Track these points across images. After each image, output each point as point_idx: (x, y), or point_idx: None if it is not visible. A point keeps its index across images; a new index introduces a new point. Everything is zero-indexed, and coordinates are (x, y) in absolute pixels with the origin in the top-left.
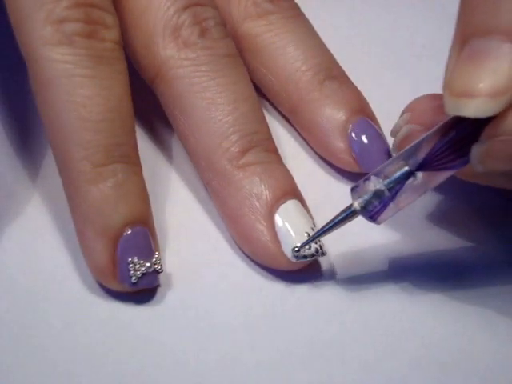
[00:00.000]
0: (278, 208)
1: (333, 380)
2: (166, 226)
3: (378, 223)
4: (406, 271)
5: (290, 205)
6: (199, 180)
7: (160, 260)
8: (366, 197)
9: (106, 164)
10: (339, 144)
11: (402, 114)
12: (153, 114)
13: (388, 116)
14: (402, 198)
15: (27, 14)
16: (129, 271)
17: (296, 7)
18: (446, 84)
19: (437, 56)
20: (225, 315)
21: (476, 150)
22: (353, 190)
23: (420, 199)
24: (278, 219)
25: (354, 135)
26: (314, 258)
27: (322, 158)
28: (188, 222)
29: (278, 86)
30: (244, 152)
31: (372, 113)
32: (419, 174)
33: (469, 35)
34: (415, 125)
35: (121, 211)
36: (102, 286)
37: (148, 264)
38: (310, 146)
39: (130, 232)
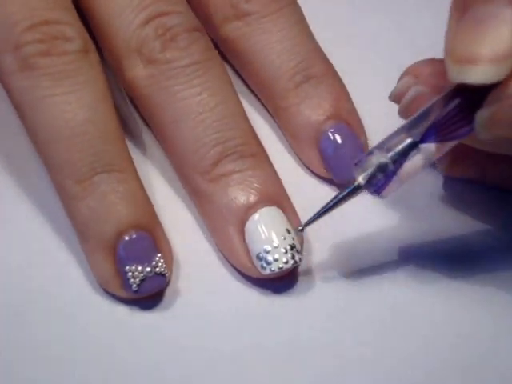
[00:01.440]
0: (247, 219)
1: (332, 380)
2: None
3: (382, 197)
4: (405, 271)
5: (260, 214)
6: None
7: (162, 261)
8: (370, 170)
9: (88, 178)
10: (310, 154)
11: (401, 77)
12: None
13: (388, 116)
14: (406, 170)
15: None
16: (128, 280)
17: (275, 1)
18: (448, 51)
19: (439, 57)
20: (224, 315)
21: (480, 117)
22: (356, 164)
23: (420, 190)
24: (248, 231)
25: (325, 144)
26: (285, 270)
27: None
28: (186, 221)
29: (258, 91)
30: (215, 164)
31: (349, 114)
32: (423, 146)
33: (470, 1)
34: (423, 87)
35: (110, 221)
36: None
37: (148, 269)
38: None
39: (125, 239)
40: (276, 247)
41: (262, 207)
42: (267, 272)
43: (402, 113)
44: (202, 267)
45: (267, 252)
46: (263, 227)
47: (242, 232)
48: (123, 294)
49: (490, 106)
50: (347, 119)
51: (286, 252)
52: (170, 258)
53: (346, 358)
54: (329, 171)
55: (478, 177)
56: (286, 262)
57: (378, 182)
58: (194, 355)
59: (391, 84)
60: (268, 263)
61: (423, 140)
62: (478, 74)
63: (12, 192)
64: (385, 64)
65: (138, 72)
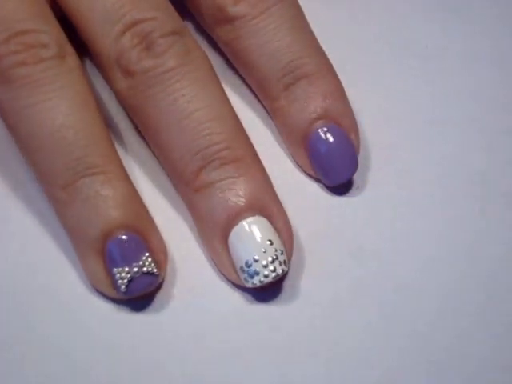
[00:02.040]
0: (230, 230)
1: (332, 380)
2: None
3: None
4: (404, 271)
5: (240, 227)
6: None
7: (150, 260)
8: None
9: (71, 183)
10: (299, 158)
11: None
12: None
13: (389, 117)
14: None
15: None
16: (116, 281)
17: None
18: None
19: (440, 57)
20: (223, 315)
21: None
22: None
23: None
24: (230, 244)
25: (313, 145)
26: (265, 283)
27: None
28: (184, 222)
29: (255, 91)
30: (198, 172)
31: (339, 113)
32: None
33: None
34: None
35: (95, 224)
36: None
37: (135, 269)
38: None
39: (110, 241)
40: (257, 260)
41: (245, 218)
42: (249, 285)
43: None
44: (200, 267)
45: (249, 266)
46: (245, 240)
47: (225, 243)
48: (115, 295)
49: None
50: (337, 119)
51: (267, 266)
52: (162, 257)
53: (345, 359)
54: (318, 174)
55: None
56: (267, 276)
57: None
58: (192, 355)
59: (392, 84)
60: (250, 276)
61: None
62: None
63: (12, 192)
64: (385, 64)
65: (120, 84)
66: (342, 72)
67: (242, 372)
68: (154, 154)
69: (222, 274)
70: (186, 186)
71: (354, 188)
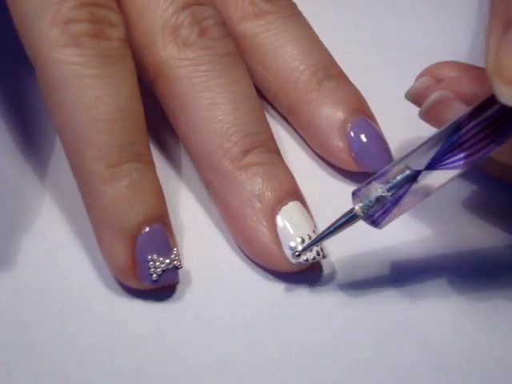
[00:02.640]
0: (279, 209)
1: (331, 381)
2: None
3: (380, 228)
4: (406, 274)
5: (292, 206)
6: (199, 179)
7: (179, 256)
8: (368, 202)
9: (120, 164)
10: (338, 143)
11: (420, 76)
12: (153, 113)
13: (390, 117)
14: (406, 201)
15: (32, 16)
16: (149, 269)
17: (293, 6)
18: (496, 70)
19: (440, 57)
20: (223, 315)
21: None
22: (354, 194)
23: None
24: (280, 221)
25: (352, 134)
26: (314, 261)
27: (321, 158)
28: (188, 221)
29: (276, 86)
30: (246, 152)
31: (370, 112)
32: (423, 177)
33: None
34: (448, 91)
35: (137, 210)
36: (104, 283)
37: (168, 261)
38: (309, 146)
39: (147, 230)
40: (309, 239)
41: (292, 200)
42: (299, 261)
43: (424, 115)
44: (204, 264)
45: (301, 242)
46: (295, 219)
47: (272, 221)
48: (137, 283)
49: None
50: (369, 115)
51: (318, 245)
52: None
53: (346, 360)
54: (357, 161)
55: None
56: (318, 254)
57: (376, 214)
58: (197, 353)
59: (391, 84)
60: (299, 254)
61: (426, 169)
62: None
63: (12, 191)
64: (385, 64)
65: (172, 53)
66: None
67: (242, 372)
68: (185, 130)
69: (258, 251)
70: (232, 163)
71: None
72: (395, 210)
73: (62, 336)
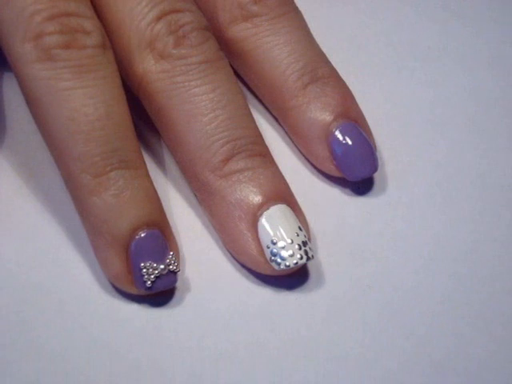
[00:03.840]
0: (261, 216)
1: (331, 380)
2: None
3: None
4: (403, 271)
5: (273, 211)
6: None
7: (175, 259)
8: None
9: (105, 173)
10: (320, 151)
11: None
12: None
13: (391, 118)
14: None
15: (7, 35)
16: (142, 276)
17: (284, 3)
18: None
19: (442, 58)
20: (226, 314)
21: None
22: None
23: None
24: (261, 227)
25: (335, 141)
26: (299, 266)
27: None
28: (186, 222)
29: (264, 91)
30: (226, 160)
31: (358, 114)
32: None
33: None
34: None
35: (126, 218)
36: (104, 283)
37: (162, 266)
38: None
39: (139, 237)
40: (291, 243)
41: (274, 204)
42: (282, 268)
43: None
44: (204, 266)
45: (282, 248)
46: (277, 224)
47: (254, 228)
48: (134, 290)
49: None
50: (356, 119)
51: (300, 248)
52: (178, 257)
53: (346, 358)
54: (339, 169)
55: None
56: (301, 258)
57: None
58: (195, 354)
59: (392, 85)
60: (282, 259)
61: None
62: None
63: (12, 191)
64: (385, 64)
65: (149, 67)
66: (343, 72)
67: (241, 372)
68: (169, 141)
69: (246, 260)
70: (212, 173)
71: (354, 188)
72: None
73: (60, 337)
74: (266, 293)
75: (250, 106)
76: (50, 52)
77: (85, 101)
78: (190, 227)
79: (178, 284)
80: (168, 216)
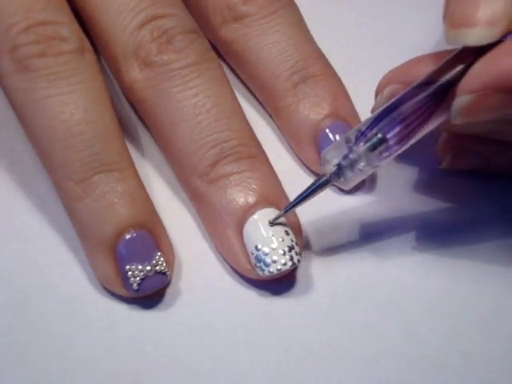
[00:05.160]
0: (246, 221)
1: (330, 380)
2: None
3: (348, 188)
4: (402, 271)
5: (259, 216)
6: None
7: (162, 260)
8: (337, 164)
9: (87, 178)
10: (309, 152)
11: (378, 94)
12: None
13: None
14: (374, 163)
15: None
16: (129, 279)
17: (275, 1)
18: (446, 17)
19: None
20: (222, 315)
21: (460, 103)
22: (323, 157)
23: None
24: (246, 233)
25: (324, 142)
26: (283, 272)
27: None
28: (185, 222)
29: (257, 91)
30: (213, 165)
31: (347, 112)
32: (389, 139)
33: None
34: (398, 84)
35: (110, 221)
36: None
37: (148, 267)
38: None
39: (124, 239)
40: (274, 249)
41: (261, 208)
42: (266, 274)
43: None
44: (202, 266)
45: (266, 254)
46: (261, 229)
47: (240, 234)
48: (124, 293)
49: (470, 92)
50: (345, 117)
51: (285, 254)
52: (171, 257)
53: (345, 358)
54: None
55: (481, 166)
56: (285, 264)
57: (346, 176)
58: (193, 354)
59: None
60: (266, 265)
61: (388, 131)
62: (473, 36)
63: (12, 190)
64: (386, 65)
65: (135, 76)
66: (342, 72)
67: (241, 372)
68: (160, 148)
69: (234, 265)
70: (199, 179)
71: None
72: (363, 172)
73: (60, 337)
74: (265, 293)
75: (250, 105)
76: (25, 62)
77: (61, 108)
78: (189, 227)
79: (177, 284)
80: (165, 217)
